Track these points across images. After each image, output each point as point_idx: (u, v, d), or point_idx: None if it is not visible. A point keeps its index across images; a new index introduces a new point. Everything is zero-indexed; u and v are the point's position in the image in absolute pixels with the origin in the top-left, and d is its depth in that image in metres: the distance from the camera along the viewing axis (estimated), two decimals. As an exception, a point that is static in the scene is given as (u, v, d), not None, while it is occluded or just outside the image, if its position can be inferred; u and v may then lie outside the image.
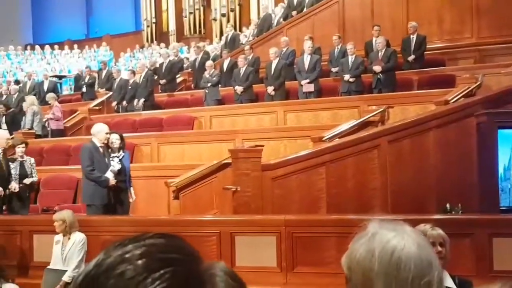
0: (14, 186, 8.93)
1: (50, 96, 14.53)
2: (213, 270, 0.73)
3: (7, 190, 8.91)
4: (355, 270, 1.36)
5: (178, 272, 0.68)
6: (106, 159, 8.42)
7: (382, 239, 1.35)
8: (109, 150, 8.53)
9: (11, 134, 13.40)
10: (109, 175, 8.25)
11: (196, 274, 0.70)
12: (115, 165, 8.41)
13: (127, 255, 0.69)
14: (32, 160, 9.45)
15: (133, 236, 0.74)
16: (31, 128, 13.70)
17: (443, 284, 1.36)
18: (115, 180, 8.30)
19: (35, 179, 9.36)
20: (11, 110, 14.37)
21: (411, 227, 1.40)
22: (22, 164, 9.21)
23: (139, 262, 0.68)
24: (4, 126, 14.01)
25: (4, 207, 9.03)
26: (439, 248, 3.67)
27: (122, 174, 8.46)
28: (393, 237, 1.35)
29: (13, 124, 14.16)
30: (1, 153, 9.21)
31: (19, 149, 9.29)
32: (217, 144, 10.60)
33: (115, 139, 8.62)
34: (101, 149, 8.41)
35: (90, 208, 8.36)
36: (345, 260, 1.40)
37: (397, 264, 1.32)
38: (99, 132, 8.47)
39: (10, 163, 9.11)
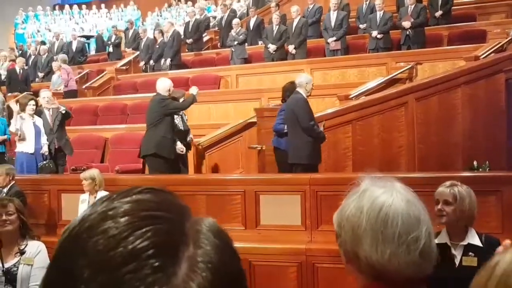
0: (181, 145, 8.11)
1: (60, 58, 14.62)
2: (198, 226, 0.71)
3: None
4: (345, 227, 1.36)
5: (161, 230, 0.67)
6: None
7: (371, 196, 1.34)
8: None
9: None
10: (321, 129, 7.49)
11: (179, 231, 0.69)
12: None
13: (110, 212, 0.69)
14: None
15: (122, 190, 0.73)
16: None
17: (432, 239, 1.35)
18: None
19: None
20: None
21: (401, 184, 1.38)
22: (183, 119, 8.46)
23: (122, 219, 0.67)
24: None
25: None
26: (439, 206, 3.64)
27: None
28: (381, 194, 1.34)
29: None
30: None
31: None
32: (243, 103, 10.59)
33: None
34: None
35: (303, 166, 7.35)
36: (336, 217, 1.39)
37: (384, 220, 1.31)
38: (308, 83, 7.59)
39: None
